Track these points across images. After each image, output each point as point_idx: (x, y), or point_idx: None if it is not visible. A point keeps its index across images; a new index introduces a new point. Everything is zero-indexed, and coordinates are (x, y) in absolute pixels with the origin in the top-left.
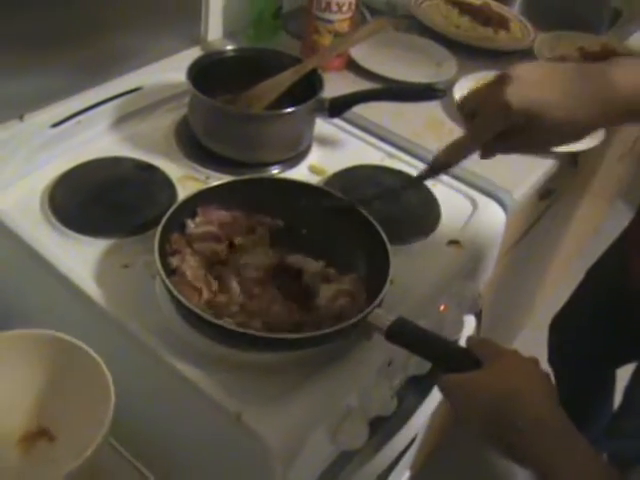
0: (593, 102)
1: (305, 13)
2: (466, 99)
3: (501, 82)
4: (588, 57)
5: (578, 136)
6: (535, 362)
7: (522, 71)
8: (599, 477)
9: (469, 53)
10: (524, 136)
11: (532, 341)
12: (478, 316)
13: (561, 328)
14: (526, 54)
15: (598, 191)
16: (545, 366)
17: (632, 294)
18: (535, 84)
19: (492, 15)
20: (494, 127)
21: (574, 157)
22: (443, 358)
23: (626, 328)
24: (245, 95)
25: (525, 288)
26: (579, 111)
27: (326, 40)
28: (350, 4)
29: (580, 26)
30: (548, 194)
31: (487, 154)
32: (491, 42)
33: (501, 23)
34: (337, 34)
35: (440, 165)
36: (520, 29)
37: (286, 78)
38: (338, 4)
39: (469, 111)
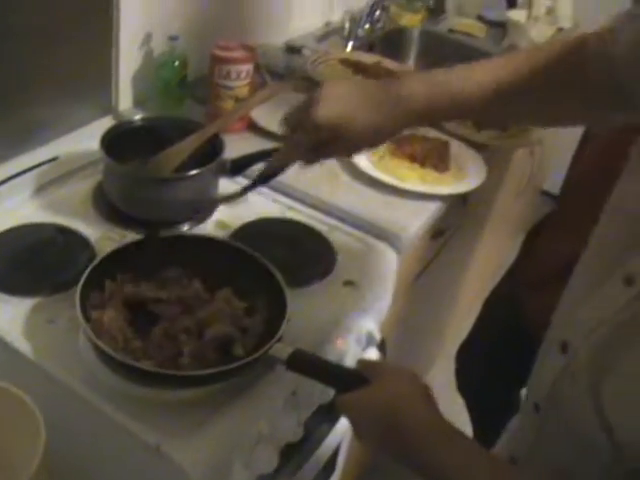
0: (389, 110)
1: (208, 81)
2: (286, 117)
3: (311, 103)
4: None
5: (380, 141)
6: (415, 375)
7: (327, 90)
8: (484, 469)
9: None
10: (336, 145)
11: (447, 370)
12: (381, 348)
13: (464, 358)
14: None
15: (499, 227)
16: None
17: (528, 332)
18: (339, 100)
19: (383, 73)
20: (309, 143)
21: (463, 197)
22: (336, 380)
23: (524, 358)
24: (154, 160)
25: (434, 320)
26: (377, 119)
27: (228, 105)
28: (248, 71)
29: None
30: (440, 233)
31: (308, 163)
32: None
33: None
34: (238, 99)
35: (268, 173)
36: None
37: (191, 143)
38: (237, 72)
39: (289, 128)
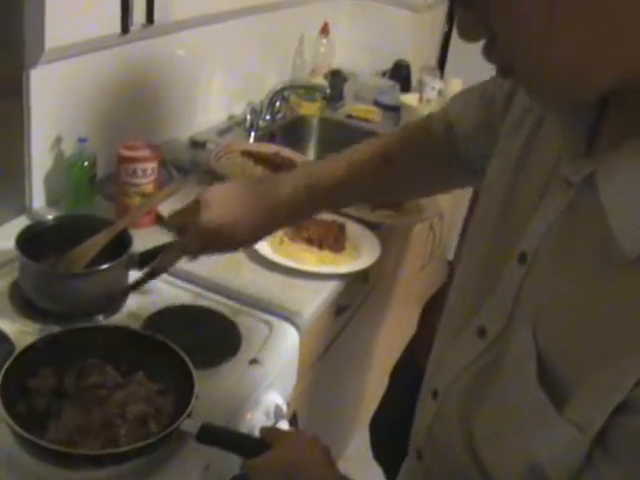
0: (262, 210)
1: (116, 179)
2: (171, 218)
3: (196, 208)
4: None
5: (260, 237)
6: (314, 439)
7: (210, 195)
8: None
9: None
10: (220, 244)
11: (366, 439)
12: (293, 421)
13: (377, 428)
14: None
15: (403, 301)
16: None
17: None
18: (221, 204)
19: (283, 162)
20: (194, 245)
21: (363, 274)
22: (243, 448)
23: None
24: (67, 257)
25: (348, 392)
26: (253, 220)
27: (135, 201)
28: (153, 169)
29: None
30: (344, 309)
31: (192, 259)
32: None
33: (291, 167)
34: (144, 195)
35: (158, 270)
36: None
37: (101, 239)
38: (143, 170)
39: (174, 229)
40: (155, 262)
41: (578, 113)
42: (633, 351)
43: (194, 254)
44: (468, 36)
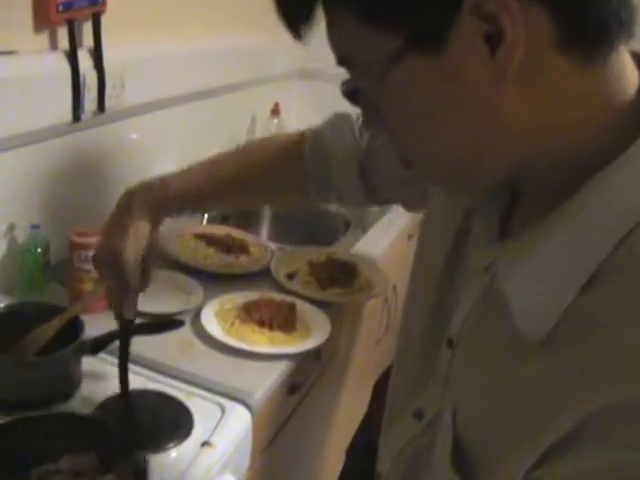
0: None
1: (68, 265)
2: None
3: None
4: (315, 268)
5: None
6: None
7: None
8: None
9: (216, 279)
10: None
11: None
12: None
13: None
14: (265, 272)
15: (359, 376)
16: None
17: None
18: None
19: (234, 243)
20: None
21: (315, 353)
22: None
23: None
24: (19, 345)
25: (305, 470)
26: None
27: (88, 287)
28: None
29: (320, 239)
30: (297, 388)
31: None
32: (233, 267)
33: (242, 249)
34: (97, 281)
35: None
36: (260, 251)
37: (53, 326)
38: None
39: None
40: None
41: (490, 198)
42: (532, 435)
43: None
44: (368, 129)
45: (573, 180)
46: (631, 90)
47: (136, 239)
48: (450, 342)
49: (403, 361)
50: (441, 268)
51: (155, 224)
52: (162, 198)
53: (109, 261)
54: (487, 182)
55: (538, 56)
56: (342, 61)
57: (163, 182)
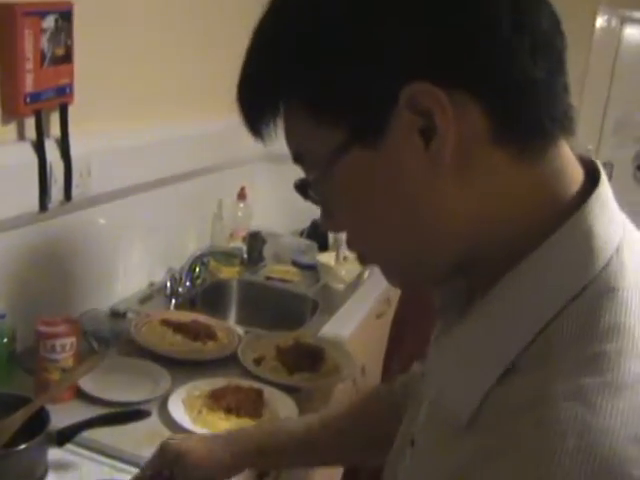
0: (226, 450)
1: (35, 354)
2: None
3: (173, 461)
4: (283, 352)
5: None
6: None
7: (187, 445)
8: None
9: (183, 366)
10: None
11: None
12: None
13: None
14: (233, 357)
15: None
16: None
17: None
18: (189, 438)
19: (200, 329)
20: (152, 465)
21: None
22: None
23: None
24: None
25: None
26: (213, 455)
27: (55, 376)
28: (72, 343)
29: (288, 322)
30: (266, 474)
31: None
32: (200, 354)
33: (209, 335)
34: (64, 370)
35: None
36: (227, 336)
37: (18, 418)
38: (62, 345)
39: None
40: None
41: (450, 288)
42: None
43: None
44: (322, 225)
45: (505, 271)
46: (570, 186)
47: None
48: (412, 442)
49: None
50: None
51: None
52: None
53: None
54: (435, 274)
55: (472, 149)
56: (296, 158)
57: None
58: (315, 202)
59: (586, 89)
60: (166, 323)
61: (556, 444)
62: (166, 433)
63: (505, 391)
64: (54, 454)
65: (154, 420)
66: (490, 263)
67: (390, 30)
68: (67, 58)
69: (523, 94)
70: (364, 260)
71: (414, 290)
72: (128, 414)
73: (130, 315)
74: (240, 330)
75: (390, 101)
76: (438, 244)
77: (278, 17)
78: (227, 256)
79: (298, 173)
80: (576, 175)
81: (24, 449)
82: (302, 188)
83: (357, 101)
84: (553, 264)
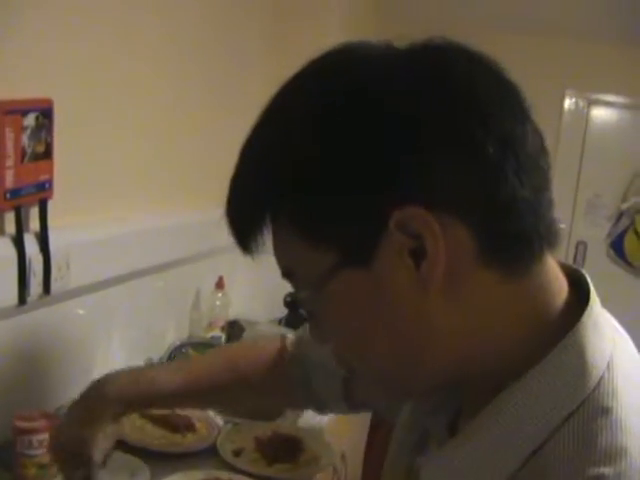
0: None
1: (12, 450)
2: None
3: None
4: (261, 443)
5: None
6: None
7: None
8: None
9: (163, 458)
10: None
11: None
12: None
13: None
14: (212, 449)
15: None
16: None
17: None
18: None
19: (179, 421)
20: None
21: None
22: None
23: None
24: None
25: None
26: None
27: (32, 472)
28: None
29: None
30: None
31: None
32: (180, 446)
33: (188, 426)
34: (41, 466)
35: None
36: (206, 427)
37: None
38: (39, 440)
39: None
40: None
41: (440, 401)
42: None
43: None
44: (313, 340)
45: (497, 388)
46: (557, 300)
47: (108, 433)
48: None
49: None
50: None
51: (122, 416)
52: (143, 394)
53: (75, 451)
54: (423, 386)
55: (461, 269)
56: (285, 273)
57: (148, 378)
58: (306, 319)
59: (557, 170)
60: (144, 416)
61: None
62: None
63: None
64: None
65: None
66: (480, 379)
67: (378, 156)
68: (47, 154)
69: (509, 214)
70: (352, 373)
71: (400, 401)
72: None
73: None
74: (219, 420)
75: (380, 224)
76: (426, 359)
77: (268, 139)
78: (206, 346)
79: (274, 263)
80: (562, 288)
81: None
82: (292, 304)
83: (347, 225)
84: (547, 385)
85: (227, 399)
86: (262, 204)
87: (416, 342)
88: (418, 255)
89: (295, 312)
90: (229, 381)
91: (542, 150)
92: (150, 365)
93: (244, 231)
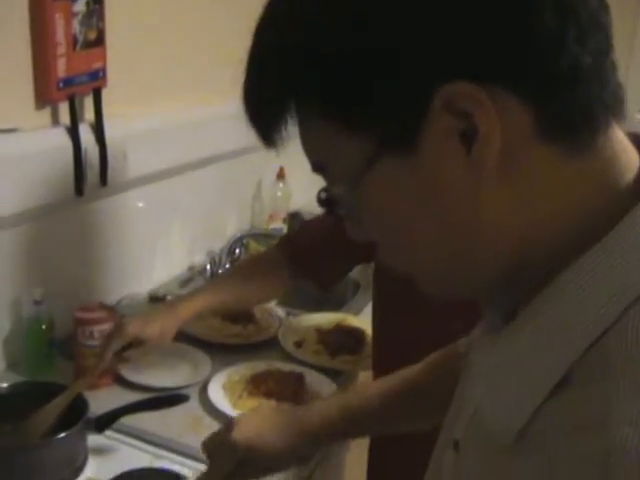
0: (292, 437)
1: (73, 341)
2: (206, 441)
3: (228, 427)
4: (324, 335)
5: (294, 460)
6: None
7: (244, 416)
8: None
9: (223, 350)
10: (252, 467)
11: None
12: None
13: None
14: (273, 340)
15: None
16: None
17: None
18: (254, 423)
19: (240, 312)
20: (228, 465)
21: None
22: None
23: None
24: (22, 425)
25: None
26: (283, 445)
27: (92, 363)
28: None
29: (329, 302)
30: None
31: None
32: (240, 337)
33: (249, 318)
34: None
35: None
36: (267, 318)
37: (57, 405)
38: (100, 331)
39: (208, 451)
40: None
41: (497, 293)
42: None
43: (230, 478)
44: (353, 238)
45: (557, 269)
46: (625, 174)
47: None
48: (456, 445)
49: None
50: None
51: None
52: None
53: (240, 446)
54: (477, 284)
55: (517, 149)
56: (316, 167)
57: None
58: (344, 216)
59: (635, 52)
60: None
61: (616, 473)
62: (206, 418)
63: (558, 408)
64: (93, 440)
65: (194, 405)
66: (538, 269)
67: (421, 22)
68: (99, 41)
69: (570, 84)
70: (396, 271)
71: (452, 300)
72: (167, 399)
73: (169, 298)
74: (281, 312)
75: (424, 104)
76: (480, 253)
77: (290, 3)
78: (267, 237)
79: None
80: (631, 161)
81: (64, 437)
82: (327, 202)
83: (386, 106)
84: (609, 267)
85: (416, 416)
86: (286, 87)
87: (469, 237)
88: (468, 137)
89: (331, 211)
90: (414, 398)
91: (602, 5)
92: None
93: (267, 122)
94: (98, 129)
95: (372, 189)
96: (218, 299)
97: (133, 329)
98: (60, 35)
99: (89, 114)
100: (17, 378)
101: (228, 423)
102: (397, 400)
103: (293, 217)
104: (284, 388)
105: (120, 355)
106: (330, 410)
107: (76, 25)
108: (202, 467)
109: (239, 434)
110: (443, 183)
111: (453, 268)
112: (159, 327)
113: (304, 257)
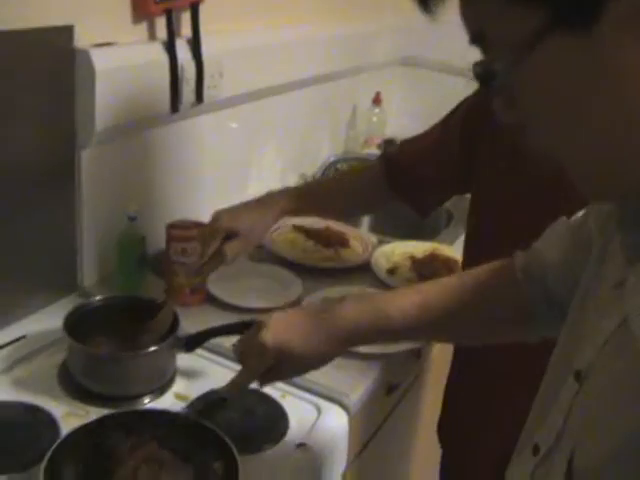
0: (325, 337)
1: (164, 257)
2: (236, 345)
3: (258, 329)
4: (418, 263)
5: (321, 363)
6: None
7: (273, 318)
8: None
9: (314, 273)
10: (283, 368)
11: None
12: None
13: None
14: (365, 266)
15: None
16: None
17: None
18: (283, 327)
19: (332, 236)
20: (259, 366)
21: (417, 351)
22: None
23: None
24: (145, 328)
25: (401, 472)
26: (314, 345)
27: (183, 280)
28: None
29: (422, 231)
30: (395, 388)
31: (263, 384)
32: (332, 261)
33: (341, 242)
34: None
35: (223, 398)
36: (360, 244)
37: (163, 319)
38: (192, 249)
39: (240, 353)
40: (224, 388)
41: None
42: None
43: (260, 379)
44: (500, 119)
45: None
46: None
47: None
48: (578, 376)
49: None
50: (580, 296)
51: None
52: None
53: (270, 347)
54: (632, 185)
55: None
56: (475, 39)
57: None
58: (498, 94)
59: None
60: (298, 229)
61: None
62: None
63: None
64: (182, 358)
65: None
66: None
67: None
68: None
69: None
70: (549, 164)
71: (603, 202)
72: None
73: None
74: (373, 238)
75: None
76: None
77: None
78: (361, 162)
79: (434, 79)
80: None
81: (154, 351)
82: (484, 77)
83: None
84: None
85: (457, 331)
86: None
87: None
88: None
89: (485, 85)
90: (456, 312)
91: None
92: None
93: None
94: (195, 45)
95: (538, 67)
96: (308, 203)
97: (227, 221)
98: None
99: (186, 30)
100: (108, 292)
101: (259, 324)
102: (437, 314)
103: (388, 143)
104: None
105: (220, 250)
106: (363, 316)
107: None
108: (291, 389)
109: (270, 334)
110: (621, 68)
111: (616, 161)
112: (249, 220)
113: (405, 180)
